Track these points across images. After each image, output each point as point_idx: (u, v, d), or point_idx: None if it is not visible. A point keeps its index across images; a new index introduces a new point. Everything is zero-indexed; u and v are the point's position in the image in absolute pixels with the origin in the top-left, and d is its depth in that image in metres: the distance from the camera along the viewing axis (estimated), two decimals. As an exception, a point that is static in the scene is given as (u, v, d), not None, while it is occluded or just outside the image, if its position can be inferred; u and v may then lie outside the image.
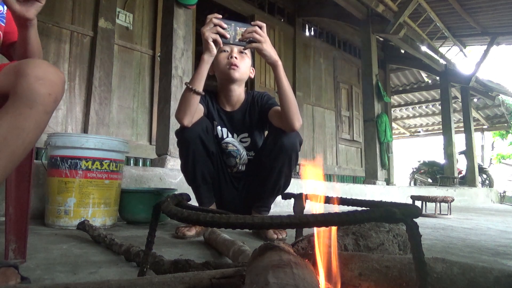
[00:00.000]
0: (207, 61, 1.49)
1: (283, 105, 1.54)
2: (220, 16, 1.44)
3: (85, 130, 3.77)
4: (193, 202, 1.54)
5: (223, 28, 1.41)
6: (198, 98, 1.53)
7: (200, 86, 1.51)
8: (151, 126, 4.29)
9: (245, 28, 1.42)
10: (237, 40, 1.42)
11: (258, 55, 1.55)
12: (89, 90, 3.85)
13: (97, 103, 3.84)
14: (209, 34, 1.41)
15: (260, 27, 1.43)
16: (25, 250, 1.05)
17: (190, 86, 1.51)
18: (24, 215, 1.05)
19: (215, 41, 1.42)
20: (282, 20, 6.34)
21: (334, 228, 0.64)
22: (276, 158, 1.62)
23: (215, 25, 1.41)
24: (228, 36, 1.41)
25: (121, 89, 4.15)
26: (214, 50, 1.46)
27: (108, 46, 3.98)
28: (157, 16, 4.45)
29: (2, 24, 1.13)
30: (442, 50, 7.50)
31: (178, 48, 3.00)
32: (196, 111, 1.59)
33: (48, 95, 0.83)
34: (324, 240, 0.63)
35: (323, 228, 0.63)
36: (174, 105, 2.84)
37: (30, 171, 1.06)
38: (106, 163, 1.81)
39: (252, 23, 1.43)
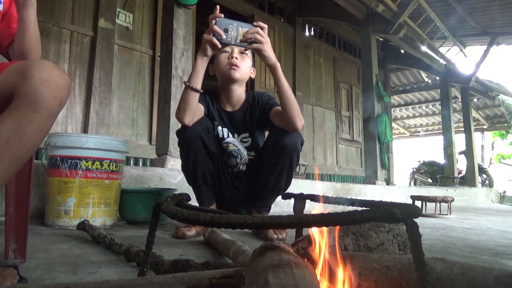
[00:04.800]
0: (201, 59, 1.49)
1: (285, 106, 1.54)
2: (218, 7, 1.41)
3: (85, 130, 3.77)
4: (193, 202, 1.54)
5: (222, 23, 1.39)
6: (197, 96, 1.53)
7: (198, 83, 1.51)
8: (151, 126, 4.29)
9: (247, 29, 1.40)
10: (238, 40, 1.41)
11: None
12: (89, 90, 3.85)
13: (97, 103, 3.84)
14: (205, 36, 1.41)
15: (262, 28, 1.42)
16: (25, 250, 1.05)
17: (188, 84, 1.51)
18: (24, 215, 1.05)
19: (213, 44, 1.41)
20: (282, 20, 6.34)
21: (335, 228, 0.64)
22: (278, 158, 1.62)
23: (212, 19, 1.38)
24: (224, 36, 1.40)
25: (121, 89, 4.15)
26: (209, 52, 1.46)
27: (108, 46, 3.98)
28: (157, 16, 4.45)
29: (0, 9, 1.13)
30: (442, 50, 7.50)
31: (178, 48, 3.00)
32: (196, 110, 1.59)
33: (53, 99, 0.82)
34: (324, 240, 0.63)
35: (323, 228, 0.63)
36: (174, 105, 2.84)
37: (30, 171, 1.06)
38: (106, 163, 1.81)
39: (254, 23, 1.42)
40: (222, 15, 1.40)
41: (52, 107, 0.82)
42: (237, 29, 1.40)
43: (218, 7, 1.41)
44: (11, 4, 1.15)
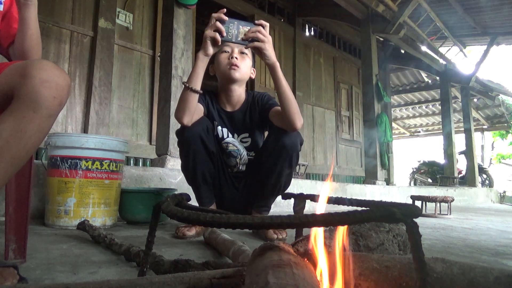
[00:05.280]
0: (202, 59, 1.48)
1: (284, 106, 1.54)
2: (225, 10, 1.42)
3: (85, 130, 3.77)
4: (193, 202, 1.54)
5: (223, 23, 1.39)
6: (196, 96, 1.53)
7: (197, 84, 1.51)
8: (151, 126, 4.29)
9: (248, 27, 1.40)
10: (239, 39, 1.41)
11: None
12: (89, 90, 3.85)
13: (97, 103, 3.84)
14: (208, 32, 1.40)
15: (264, 27, 1.42)
16: (25, 250, 1.05)
17: (188, 85, 1.50)
18: (24, 215, 1.05)
19: (214, 40, 1.41)
20: (282, 20, 6.34)
21: (342, 228, 0.64)
22: (277, 158, 1.62)
23: (216, 20, 1.39)
24: (225, 33, 1.39)
25: (121, 89, 4.15)
26: (210, 50, 1.45)
27: (108, 46, 3.98)
28: (157, 16, 4.45)
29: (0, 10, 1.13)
30: (442, 50, 7.50)
31: (178, 48, 3.00)
32: (196, 110, 1.59)
33: (53, 99, 0.82)
34: (324, 240, 0.63)
35: (322, 228, 0.63)
36: (174, 105, 2.84)
37: (30, 171, 1.06)
38: (106, 163, 1.81)
39: (256, 22, 1.42)
40: (227, 18, 1.40)
41: (52, 107, 0.82)
42: (238, 27, 1.40)
43: (224, 10, 1.42)
44: (11, 5, 1.15)
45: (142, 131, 4.30)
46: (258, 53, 1.45)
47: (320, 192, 0.78)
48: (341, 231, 0.63)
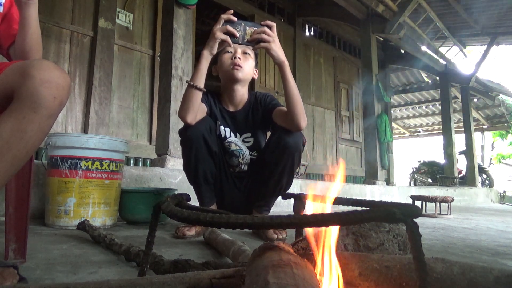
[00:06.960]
0: (206, 57, 1.50)
1: (290, 105, 1.54)
2: (232, 11, 1.45)
3: (85, 130, 3.77)
4: (194, 201, 1.54)
5: (232, 22, 1.41)
6: (200, 94, 1.54)
7: (201, 82, 1.52)
8: (151, 126, 4.29)
9: (254, 28, 1.42)
10: (246, 40, 1.43)
11: (260, 56, 1.55)
12: (89, 90, 3.85)
13: (97, 103, 3.84)
14: (219, 34, 1.42)
15: (270, 27, 1.44)
16: (25, 250, 1.05)
17: (191, 83, 1.51)
18: (24, 215, 1.05)
19: (225, 42, 1.43)
20: (282, 20, 6.34)
21: (334, 228, 0.64)
22: (280, 157, 1.62)
23: (225, 21, 1.41)
24: (238, 34, 1.41)
25: (121, 89, 4.15)
26: (215, 49, 1.47)
27: (108, 46, 3.98)
28: (157, 16, 4.45)
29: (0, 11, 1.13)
30: (442, 50, 7.49)
31: (178, 48, 3.00)
32: (199, 109, 1.60)
33: (53, 99, 0.82)
34: (324, 240, 0.63)
35: (322, 228, 0.63)
36: (174, 105, 2.84)
37: (30, 171, 1.06)
38: (106, 163, 1.81)
39: (262, 22, 1.44)
40: (236, 19, 1.42)
41: (52, 107, 0.82)
42: (245, 29, 1.42)
43: (231, 11, 1.45)
44: (11, 5, 1.15)
45: (142, 131, 4.30)
46: (267, 52, 1.47)
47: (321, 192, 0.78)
48: (341, 231, 0.63)
